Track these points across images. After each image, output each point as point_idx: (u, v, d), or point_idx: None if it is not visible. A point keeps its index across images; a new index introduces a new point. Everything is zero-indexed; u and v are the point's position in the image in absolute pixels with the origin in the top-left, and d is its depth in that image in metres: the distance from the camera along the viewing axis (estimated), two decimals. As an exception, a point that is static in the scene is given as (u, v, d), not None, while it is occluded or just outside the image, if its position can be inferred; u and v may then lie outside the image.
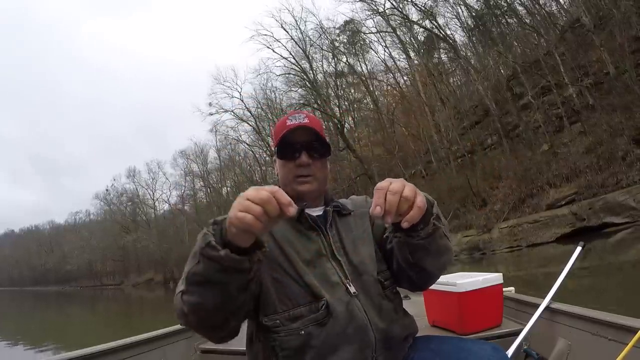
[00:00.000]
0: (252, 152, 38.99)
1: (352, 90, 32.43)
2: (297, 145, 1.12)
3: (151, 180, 52.89)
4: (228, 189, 44.87)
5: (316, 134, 1.13)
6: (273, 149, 1.20)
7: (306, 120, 1.14)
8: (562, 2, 23.09)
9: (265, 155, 37.55)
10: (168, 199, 52.33)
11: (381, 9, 28.04)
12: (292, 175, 1.13)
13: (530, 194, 17.25)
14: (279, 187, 1.10)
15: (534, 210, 16.44)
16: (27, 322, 16.93)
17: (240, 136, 37.32)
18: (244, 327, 1.07)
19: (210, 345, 2.20)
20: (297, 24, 30.05)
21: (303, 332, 0.98)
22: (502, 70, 23.91)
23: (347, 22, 30.47)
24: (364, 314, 1.02)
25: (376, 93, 31.36)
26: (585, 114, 17.52)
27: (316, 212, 1.16)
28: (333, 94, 31.49)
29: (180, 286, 0.88)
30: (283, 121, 1.17)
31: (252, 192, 0.76)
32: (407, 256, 1.00)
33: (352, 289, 1.04)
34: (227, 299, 0.85)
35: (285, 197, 0.76)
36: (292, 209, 0.75)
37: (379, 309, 1.05)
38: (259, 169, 40.11)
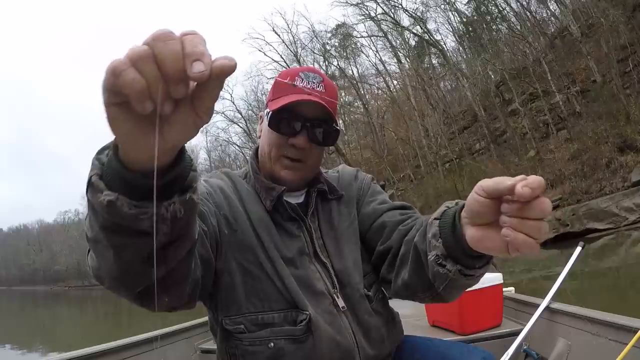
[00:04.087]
0: (243, 153, 38.73)
1: (343, 94, 32.48)
2: (299, 119, 0.86)
3: (142, 179, 52.46)
4: (217, 190, 44.59)
5: (328, 114, 0.88)
6: (266, 105, 0.93)
7: (321, 89, 0.88)
8: (553, 10, 23.59)
9: (256, 158, 37.47)
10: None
11: (373, 14, 28.28)
12: (278, 152, 0.89)
13: (516, 200, 17.50)
14: (257, 156, 0.96)
15: (519, 215, 16.71)
16: (15, 323, 16.54)
17: (231, 138, 37.10)
18: None
19: (210, 345, 2.18)
20: (288, 27, 30.11)
21: (272, 344, 0.81)
22: (492, 76, 24.26)
23: (338, 26, 30.66)
24: (352, 335, 0.86)
25: (367, 97, 31.53)
26: (572, 121, 17.90)
27: (296, 198, 0.94)
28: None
29: None
30: (290, 76, 0.89)
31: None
32: (437, 286, 0.73)
33: (341, 303, 0.87)
34: (127, 271, 0.54)
35: (197, 38, 0.37)
36: (201, 67, 0.35)
37: (367, 330, 0.89)
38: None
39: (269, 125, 0.88)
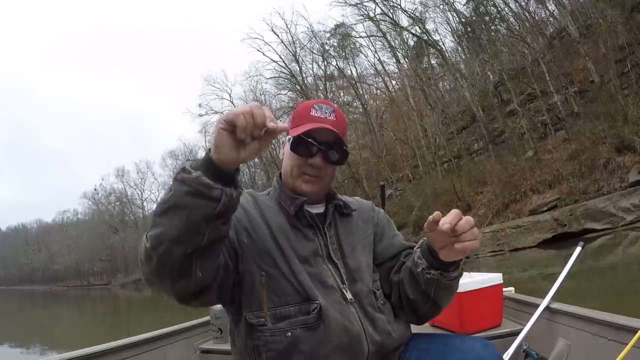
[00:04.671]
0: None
1: (342, 94, 32.50)
2: (315, 143, 1.03)
3: (140, 180, 52.57)
4: (216, 189, 44.51)
5: (338, 139, 1.05)
6: (287, 131, 1.10)
7: (332, 118, 1.06)
8: (551, 10, 23.60)
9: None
10: (157, 199, 51.43)
11: (371, 14, 28.24)
12: (299, 171, 1.06)
13: (514, 200, 17.54)
14: (281, 174, 1.15)
15: (517, 216, 16.71)
16: (14, 322, 16.49)
17: (229, 137, 36.95)
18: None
19: (210, 345, 2.19)
20: (287, 27, 30.07)
21: (290, 334, 0.93)
22: (490, 76, 24.25)
23: (337, 26, 30.58)
24: (359, 323, 0.98)
25: (365, 97, 31.51)
26: (570, 121, 17.91)
27: (316, 209, 1.11)
28: (322, 97, 31.54)
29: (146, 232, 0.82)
30: (307, 108, 1.07)
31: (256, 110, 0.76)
32: (429, 292, 0.99)
33: (349, 295, 1.00)
34: (191, 229, 0.76)
35: (269, 112, 0.76)
36: (273, 124, 0.74)
37: (372, 320, 1.01)
38: (247, 170, 39.91)
39: (291, 149, 1.06)
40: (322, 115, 1.05)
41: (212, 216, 0.77)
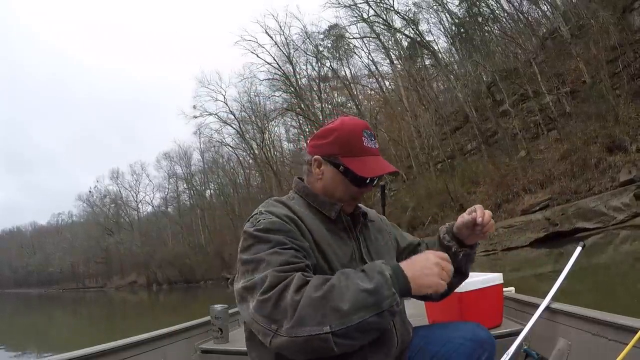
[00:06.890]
0: (236, 154, 38.70)
1: (336, 94, 32.51)
2: (375, 181, 1.14)
3: (135, 182, 51.96)
4: (211, 191, 44.61)
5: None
6: (332, 153, 1.12)
7: (377, 146, 1.17)
8: (544, 11, 23.76)
9: (249, 158, 37.44)
10: (151, 201, 51.46)
11: (365, 16, 28.27)
12: (349, 195, 1.13)
13: (506, 200, 17.67)
14: (303, 181, 1.19)
15: (510, 215, 16.82)
16: (9, 325, 16.29)
17: (224, 139, 36.93)
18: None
19: (210, 345, 2.18)
20: (281, 29, 30.04)
21: None
22: (483, 77, 24.37)
23: (331, 27, 30.56)
24: (392, 322, 1.05)
25: (359, 97, 31.55)
26: (562, 121, 18.07)
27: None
28: (317, 98, 31.57)
29: (322, 326, 0.83)
30: (358, 135, 1.11)
31: (446, 263, 0.95)
32: (462, 266, 1.21)
33: None
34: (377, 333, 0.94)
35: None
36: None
37: (401, 318, 1.11)
38: (242, 171, 39.87)
39: (354, 183, 1.10)
40: (373, 146, 1.14)
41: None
